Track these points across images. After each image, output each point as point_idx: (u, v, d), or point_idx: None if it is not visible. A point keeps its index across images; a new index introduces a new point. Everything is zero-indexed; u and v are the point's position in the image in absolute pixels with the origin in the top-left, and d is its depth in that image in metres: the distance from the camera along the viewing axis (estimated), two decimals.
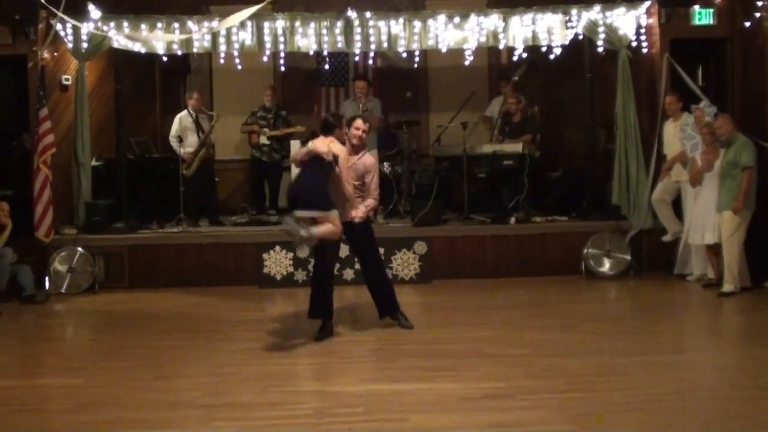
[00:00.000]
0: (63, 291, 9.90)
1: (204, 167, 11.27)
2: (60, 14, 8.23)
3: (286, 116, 11.96)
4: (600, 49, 10.61)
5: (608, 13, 10.36)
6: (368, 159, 7.58)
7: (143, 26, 10.32)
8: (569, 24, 10.43)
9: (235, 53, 10.61)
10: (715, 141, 9.08)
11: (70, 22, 9.81)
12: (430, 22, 10.43)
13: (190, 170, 11.03)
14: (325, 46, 10.53)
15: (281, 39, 10.43)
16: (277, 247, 10.07)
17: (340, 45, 10.51)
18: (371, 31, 10.42)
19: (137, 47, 10.45)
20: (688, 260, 9.83)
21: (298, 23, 10.43)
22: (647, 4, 10.40)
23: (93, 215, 10.42)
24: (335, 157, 7.12)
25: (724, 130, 9.00)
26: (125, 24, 10.31)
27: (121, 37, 10.20)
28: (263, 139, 11.49)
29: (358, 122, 7.51)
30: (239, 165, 12.79)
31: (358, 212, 7.33)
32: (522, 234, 10.41)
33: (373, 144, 11.19)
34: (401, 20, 10.46)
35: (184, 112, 11.35)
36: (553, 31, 10.44)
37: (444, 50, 10.67)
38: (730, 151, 8.92)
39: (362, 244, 7.61)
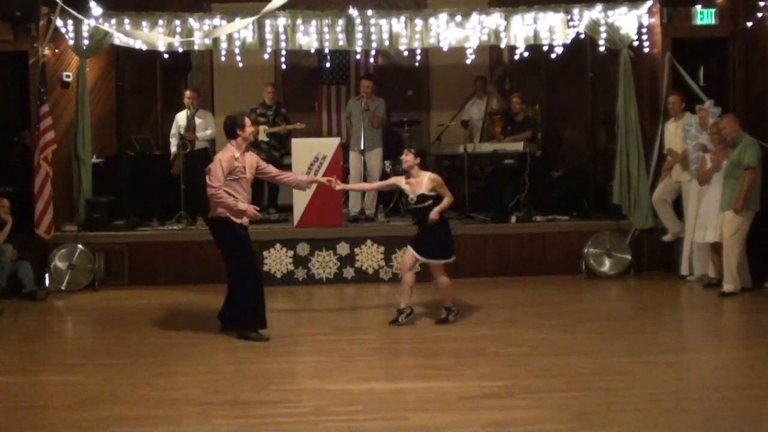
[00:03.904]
0: (63, 288, 9.89)
1: (199, 166, 11.06)
2: (61, 3, 8.20)
3: (286, 113, 11.90)
4: (601, 49, 10.59)
5: (610, 13, 10.34)
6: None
7: (144, 24, 10.31)
8: (571, 23, 10.41)
9: (237, 51, 10.58)
10: (722, 141, 9.05)
11: (72, 15, 9.78)
12: (432, 20, 10.42)
13: (176, 169, 10.89)
14: (327, 44, 10.51)
15: (282, 37, 10.41)
16: (278, 245, 10.04)
17: (341, 43, 10.50)
18: (373, 29, 10.40)
19: (138, 44, 10.45)
20: (693, 261, 9.81)
21: (299, 21, 10.41)
22: (649, 3, 10.37)
23: (93, 212, 10.40)
24: None
25: (729, 130, 8.97)
26: (126, 21, 10.30)
27: (122, 34, 10.19)
28: (262, 136, 11.23)
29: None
30: None
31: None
32: (522, 233, 10.40)
33: (378, 142, 11.19)
34: (403, 18, 10.45)
35: (184, 110, 11.16)
36: (554, 30, 10.42)
37: (445, 49, 10.66)
38: (735, 151, 8.90)
39: None
